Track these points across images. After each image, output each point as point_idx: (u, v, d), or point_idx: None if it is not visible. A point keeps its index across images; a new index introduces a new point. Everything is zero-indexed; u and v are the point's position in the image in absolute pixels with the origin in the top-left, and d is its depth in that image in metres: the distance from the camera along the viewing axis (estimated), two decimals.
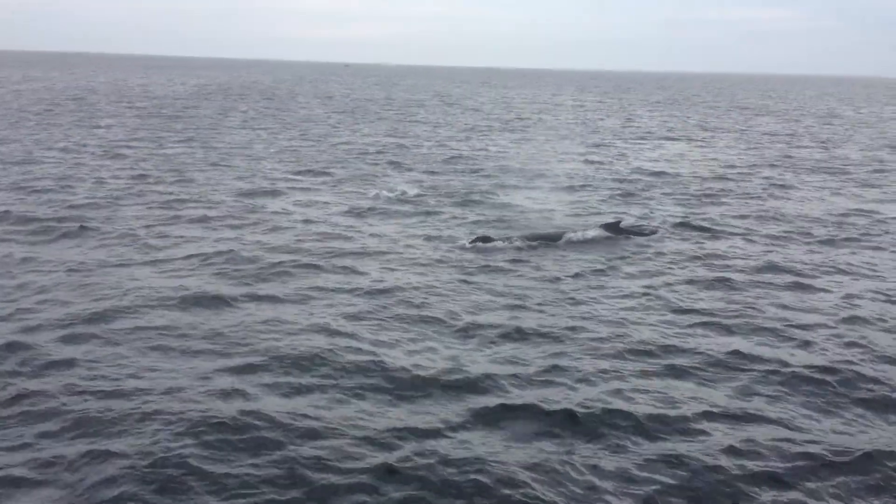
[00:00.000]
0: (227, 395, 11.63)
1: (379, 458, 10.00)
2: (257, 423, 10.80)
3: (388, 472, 9.66)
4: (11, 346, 13.33)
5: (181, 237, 21.48)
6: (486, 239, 21.07)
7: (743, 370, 13.10)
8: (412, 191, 29.41)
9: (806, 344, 14.33)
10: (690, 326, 15.13)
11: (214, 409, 11.11)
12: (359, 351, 13.42)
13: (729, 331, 14.88)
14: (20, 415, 11.03)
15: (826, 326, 15.34)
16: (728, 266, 19.62)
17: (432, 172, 35.31)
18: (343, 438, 10.50)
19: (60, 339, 13.81)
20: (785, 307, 16.44)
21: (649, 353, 13.59)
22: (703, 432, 10.82)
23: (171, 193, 27.83)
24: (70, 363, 12.78)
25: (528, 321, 15.14)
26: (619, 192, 31.38)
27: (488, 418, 11.15)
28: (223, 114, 66.56)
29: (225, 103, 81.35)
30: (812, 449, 10.45)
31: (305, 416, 11.10)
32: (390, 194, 28.66)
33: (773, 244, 22.26)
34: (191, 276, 17.69)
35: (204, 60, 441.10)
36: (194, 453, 9.96)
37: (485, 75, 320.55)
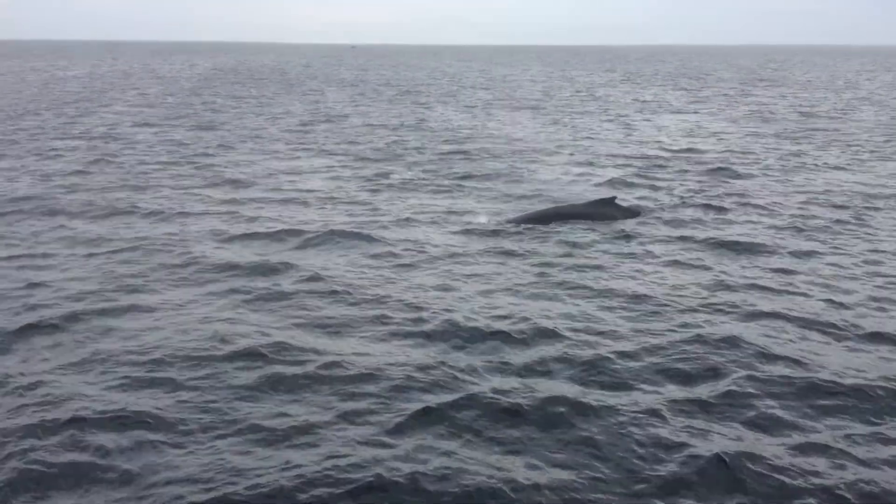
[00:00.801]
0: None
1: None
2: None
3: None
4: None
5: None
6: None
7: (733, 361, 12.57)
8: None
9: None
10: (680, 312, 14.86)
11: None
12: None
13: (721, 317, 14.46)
14: None
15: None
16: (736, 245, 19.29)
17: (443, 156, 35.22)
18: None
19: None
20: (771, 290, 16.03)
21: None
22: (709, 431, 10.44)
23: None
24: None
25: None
26: (632, 168, 31.24)
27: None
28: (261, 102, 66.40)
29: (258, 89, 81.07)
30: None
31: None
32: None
33: (785, 227, 21.34)
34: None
35: (207, 45, 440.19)
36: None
37: (491, 53, 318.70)
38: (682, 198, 24.90)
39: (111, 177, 28.55)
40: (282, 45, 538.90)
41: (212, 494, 8.91)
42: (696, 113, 55.79)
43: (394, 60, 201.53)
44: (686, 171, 30.19)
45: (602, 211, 21.70)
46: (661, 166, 31.59)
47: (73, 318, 14.31)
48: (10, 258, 18.10)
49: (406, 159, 33.31)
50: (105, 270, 17.16)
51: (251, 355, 12.51)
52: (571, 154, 35.00)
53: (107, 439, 10.04)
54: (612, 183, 27.61)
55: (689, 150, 36.42)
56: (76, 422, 10.44)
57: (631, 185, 27.29)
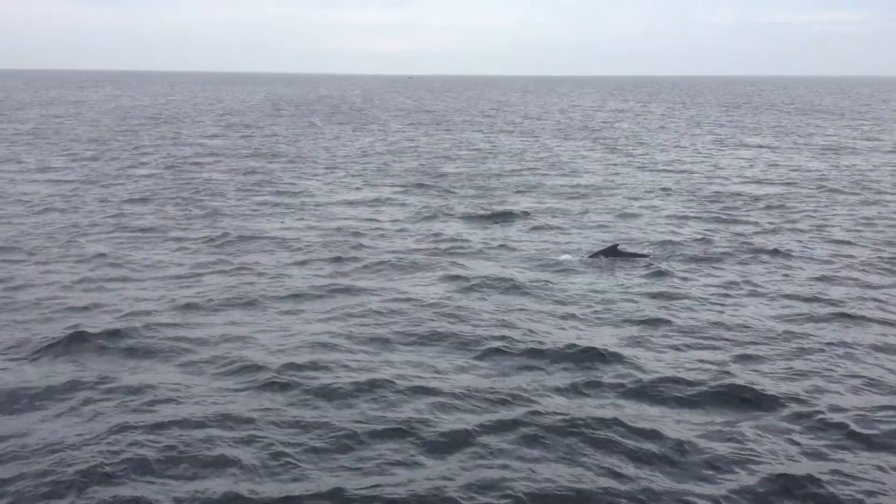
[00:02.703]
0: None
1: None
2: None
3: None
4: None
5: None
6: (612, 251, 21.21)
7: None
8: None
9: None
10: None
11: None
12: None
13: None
14: None
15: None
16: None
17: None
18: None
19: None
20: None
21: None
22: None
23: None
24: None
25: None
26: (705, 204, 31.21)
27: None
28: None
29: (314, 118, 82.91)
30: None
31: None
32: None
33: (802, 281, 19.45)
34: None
35: (266, 76, 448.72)
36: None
37: (546, 83, 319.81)
38: (744, 235, 24.15)
39: (193, 204, 29.84)
40: (340, 76, 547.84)
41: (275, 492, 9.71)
42: (759, 148, 55.41)
43: (452, 91, 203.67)
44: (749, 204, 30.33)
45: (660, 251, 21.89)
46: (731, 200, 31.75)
47: (183, 326, 15.45)
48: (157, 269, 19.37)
49: (471, 187, 34.11)
50: (203, 288, 18.27)
51: (325, 368, 13.36)
52: (638, 189, 35.13)
53: (211, 435, 10.92)
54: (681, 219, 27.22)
55: (751, 181, 36.41)
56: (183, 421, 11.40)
57: (700, 219, 27.30)
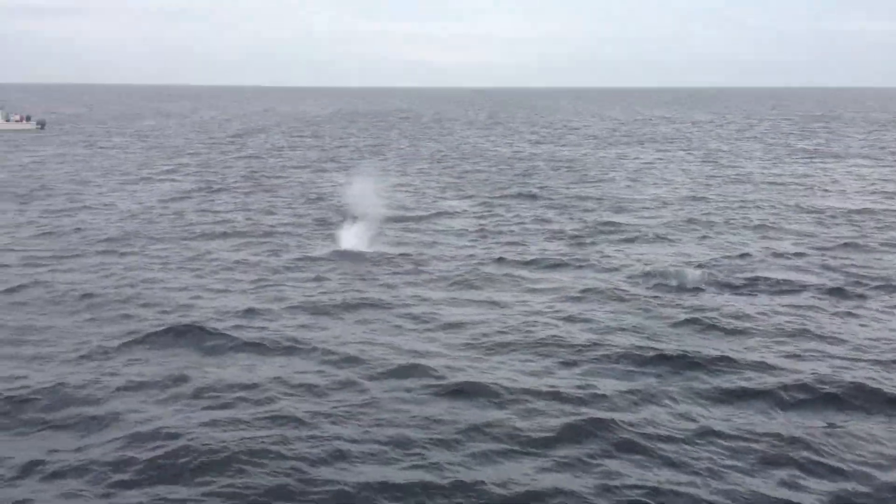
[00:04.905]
0: None
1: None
2: None
3: None
4: None
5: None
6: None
7: None
8: None
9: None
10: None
11: None
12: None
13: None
14: None
15: None
16: None
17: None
18: None
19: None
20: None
21: None
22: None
23: None
24: None
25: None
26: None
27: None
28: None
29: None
30: None
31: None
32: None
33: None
34: None
35: (333, 90, 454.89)
36: None
37: (616, 95, 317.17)
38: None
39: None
40: (409, 89, 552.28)
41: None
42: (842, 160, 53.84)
43: (524, 104, 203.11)
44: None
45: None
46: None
47: (306, 327, 16.06)
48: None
49: (558, 199, 34.20)
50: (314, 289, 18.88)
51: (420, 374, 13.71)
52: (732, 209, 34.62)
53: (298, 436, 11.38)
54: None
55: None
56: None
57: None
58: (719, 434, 11.43)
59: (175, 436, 11.22)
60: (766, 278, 19.97)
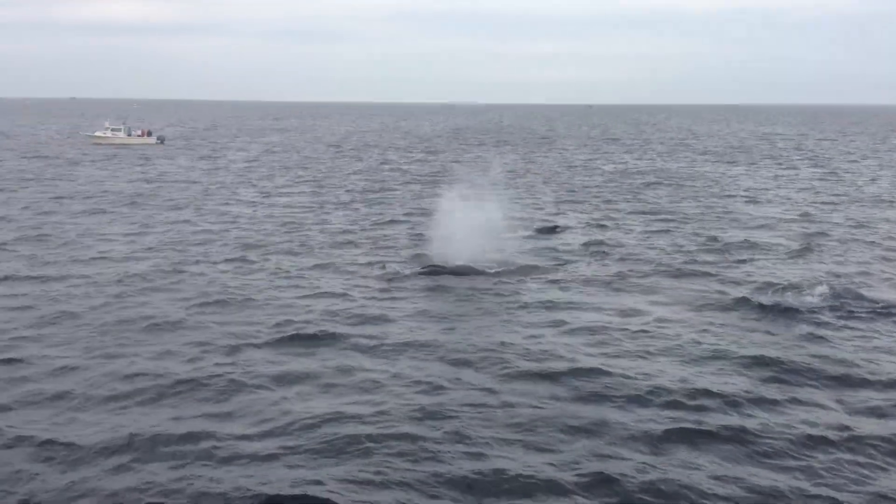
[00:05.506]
0: None
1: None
2: None
3: None
4: None
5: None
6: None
7: None
8: None
9: None
10: None
11: None
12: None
13: None
14: None
15: None
16: None
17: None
18: None
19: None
20: None
21: None
22: None
23: None
24: None
25: None
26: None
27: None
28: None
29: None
30: None
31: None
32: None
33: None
34: None
35: (436, 106, 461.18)
36: None
37: (730, 112, 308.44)
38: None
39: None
40: (520, 106, 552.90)
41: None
42: None
43: (636, 119, 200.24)
44: None
45: None
46: None
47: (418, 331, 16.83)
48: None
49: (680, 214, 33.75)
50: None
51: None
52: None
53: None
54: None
55: None
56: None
57: None
58: (851, 442, 11.81)
59: (328, 422, 12.30)
60: (886, 300, 19.58)
